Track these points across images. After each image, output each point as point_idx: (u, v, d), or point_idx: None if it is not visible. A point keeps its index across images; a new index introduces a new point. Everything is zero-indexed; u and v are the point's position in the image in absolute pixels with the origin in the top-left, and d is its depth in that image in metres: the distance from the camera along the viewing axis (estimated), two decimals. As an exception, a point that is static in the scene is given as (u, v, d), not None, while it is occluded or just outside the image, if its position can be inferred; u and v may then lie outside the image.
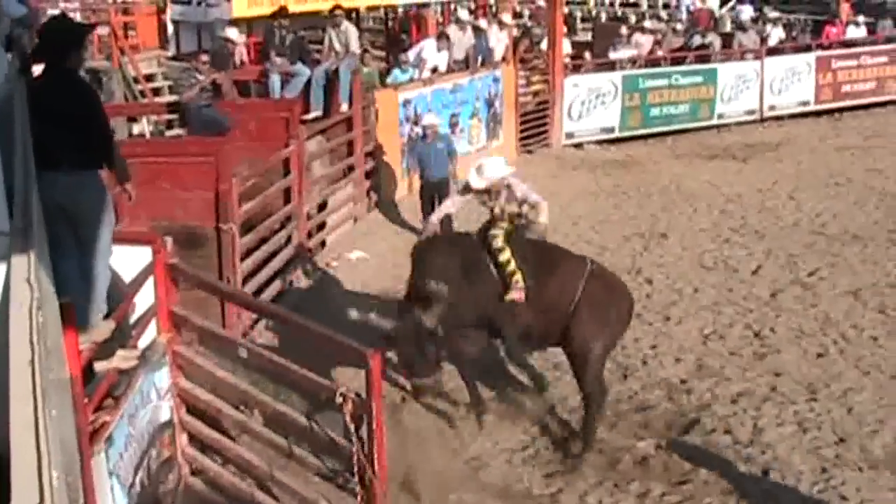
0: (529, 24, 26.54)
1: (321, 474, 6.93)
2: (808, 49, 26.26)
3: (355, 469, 6.45)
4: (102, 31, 19.43)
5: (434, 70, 19.53)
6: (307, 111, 16.33)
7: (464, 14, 21.29)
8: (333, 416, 6.63)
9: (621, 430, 10.70)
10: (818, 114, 25.72)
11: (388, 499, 6.56)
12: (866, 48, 26.59)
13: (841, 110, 25.90)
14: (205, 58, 14.79)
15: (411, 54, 19.70)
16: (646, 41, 25.13)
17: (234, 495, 7.60)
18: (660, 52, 24.99)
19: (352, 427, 6.41)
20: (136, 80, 18.88)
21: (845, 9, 28.18)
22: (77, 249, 6.51)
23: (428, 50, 19.57)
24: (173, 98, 16.56)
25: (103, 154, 6.73)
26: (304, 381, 6.82)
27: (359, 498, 6.57)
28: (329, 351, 7.40)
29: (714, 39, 25.42)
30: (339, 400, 6.34)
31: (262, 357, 7.29)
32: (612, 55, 24.45)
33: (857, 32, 26.88)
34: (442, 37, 19.94)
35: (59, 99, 6.49)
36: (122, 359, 6.78)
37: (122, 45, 19.35)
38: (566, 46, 24.30)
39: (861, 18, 27.31)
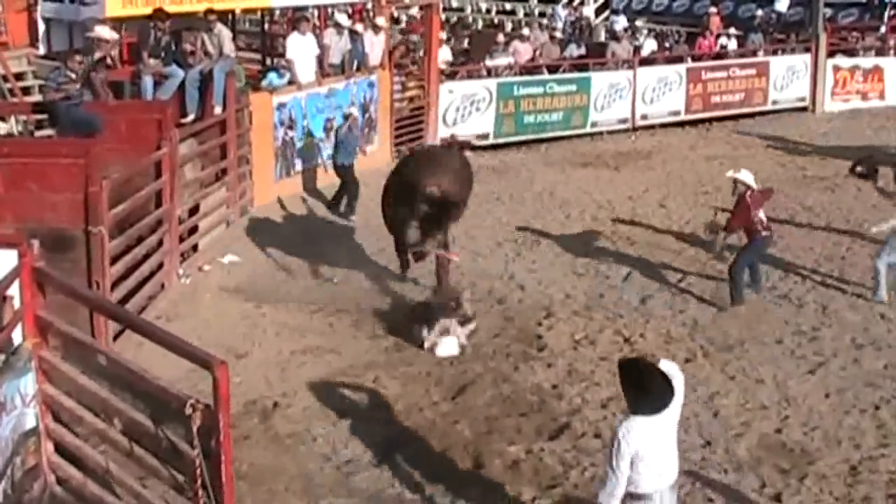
0: (406, 29, 26.60)
1: (173, 486, 6.78)
2: (679, 60, 26.72)
3: (199, 482, 6.28)
4: (-31, 27, 18.98)
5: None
6: (181, 114, 16.13)
7: (342, 18, 21.16)
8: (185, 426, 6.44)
9: (492, 435, 10.77)
10: (688, 123, 26.16)
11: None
12: (736, 60, 27.17)
13: (710, 120, 26.39)
14: (79, 58, 14.50)
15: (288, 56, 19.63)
16: (524, 49, 25.37)
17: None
18: (540, 61, 25.25)
19: (196, 439, 6.22)
20: (4, 79, 18.45)
21: (716, 22, 28.72)
22: None
23: (292, 46, 19.49)
24: (43, 97, 16.20)
25: None
26: (154, 390, 6.67)
27: None
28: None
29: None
30: (188, 411, 6.14)
31: (118, 364, 7.16)
32: (490, 63, 24.61)
33: (728, 45, 27.44)
34: (300, 21, 20.14)
35: None
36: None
37: (-10, 43, 18.90)
38: (446, 54, 24.43)
39: (732, 31, 27.88)
